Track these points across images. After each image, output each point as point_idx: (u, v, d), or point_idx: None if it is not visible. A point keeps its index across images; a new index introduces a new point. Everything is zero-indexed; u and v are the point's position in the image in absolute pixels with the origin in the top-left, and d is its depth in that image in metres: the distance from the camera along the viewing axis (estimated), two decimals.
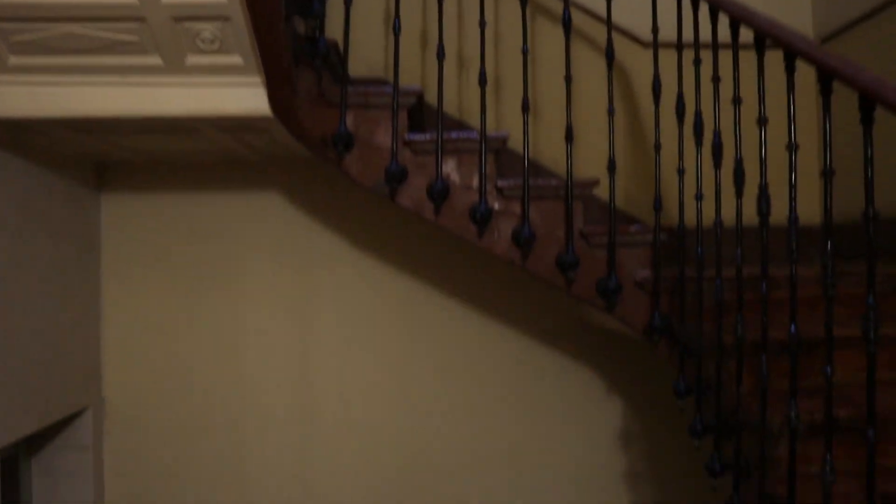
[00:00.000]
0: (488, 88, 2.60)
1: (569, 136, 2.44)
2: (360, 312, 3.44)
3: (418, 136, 2.50)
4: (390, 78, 2.55)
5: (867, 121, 1.61)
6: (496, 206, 2.48)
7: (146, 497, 3.44)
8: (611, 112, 2.45)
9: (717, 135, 2.18)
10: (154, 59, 2.35)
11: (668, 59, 2.42)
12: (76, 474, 3.31)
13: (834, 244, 1.73)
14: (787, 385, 1.88)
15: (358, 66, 3.18)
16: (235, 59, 2.33)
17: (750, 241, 2.07)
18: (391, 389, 3.45)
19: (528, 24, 2.53)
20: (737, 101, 2.10)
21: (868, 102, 1.59)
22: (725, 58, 2.17)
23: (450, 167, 2.51)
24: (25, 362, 2.78)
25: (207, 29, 2.24)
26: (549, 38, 3.35)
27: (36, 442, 3.25)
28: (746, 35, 2.08)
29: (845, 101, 1.80)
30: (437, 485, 3.45)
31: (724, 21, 2.17)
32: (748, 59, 2.09)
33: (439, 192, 2.42)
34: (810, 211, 2.97)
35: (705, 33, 2.27)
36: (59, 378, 3.05)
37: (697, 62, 2.30)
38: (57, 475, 3.29)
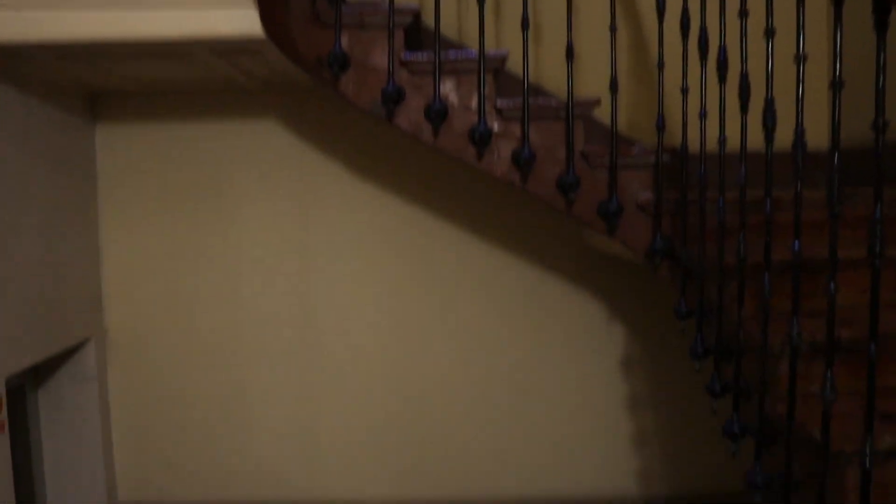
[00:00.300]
0: (488, 9, 2.53)
1: (569, 54, 2.38)
2: (360, 239, 3.42)
3: (415, 56, 2.43)
4: None
5: (881, 26, 1.54)
6: (495, 126, 2.43)
7: (151, 427, 3.49)
8: (612, 29, 2.39)
9: (722, 50, 2.11)
10: None
11: None
12: (82, 405, 3.35)
13: (841, 160, 1.68)
14: (790, 306, 1.86)
15: None
16: None
17: (754, 167, 2.02)
18: (392, 316, 3.45)
19: None
20: (743, 13, 2.02)
21: (883, 4, 1.52)
22: None
23: (448, 88, 2.44)
24: (26, 293, 2.78)
25: None
26: None
27: (42, 373, 3.28)
28: None
29: (858, 17, 1.73)
30: (439, 411, 3.48)
31: None
32: None
33: (437, 113, 2.36)
34: (818, 136, 2.90)
35: None
36: (60, 309, 3.05)
37: None
38: (63, 406, 3.33)
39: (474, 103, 2.42)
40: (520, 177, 2.43)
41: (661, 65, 2.36)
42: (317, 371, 3.46)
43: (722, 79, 2.10)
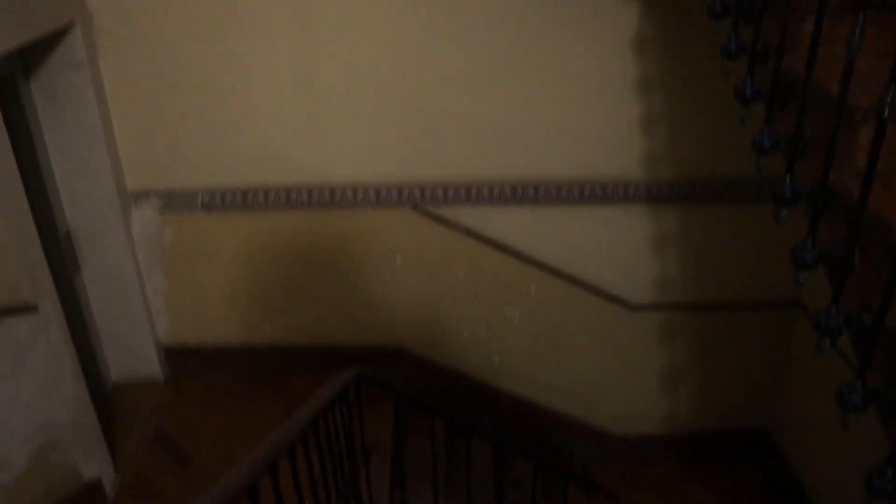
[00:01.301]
0: None
1: None
2: None
3: None
4: None
5: None
6: None
7: (152, 114, 3.45)
8: None
9: None
10: None
11: None
12: (77, 95, 3.27)
13: None
14: None
15: None
16: None
17: None
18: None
19: None
20: None
21: None
22: None
23: None
24: None
25: None
26: None
27: (31, 65, 3.18)
28: None
29: None
30: (441, 91, 3.38)
31: None
32: None
33: None
34: None
35: None
36: None
37: None
38: (57, 97, 3.26)
39: None
40: None
41: None
42: (318, 50, 3.30)
43: None
